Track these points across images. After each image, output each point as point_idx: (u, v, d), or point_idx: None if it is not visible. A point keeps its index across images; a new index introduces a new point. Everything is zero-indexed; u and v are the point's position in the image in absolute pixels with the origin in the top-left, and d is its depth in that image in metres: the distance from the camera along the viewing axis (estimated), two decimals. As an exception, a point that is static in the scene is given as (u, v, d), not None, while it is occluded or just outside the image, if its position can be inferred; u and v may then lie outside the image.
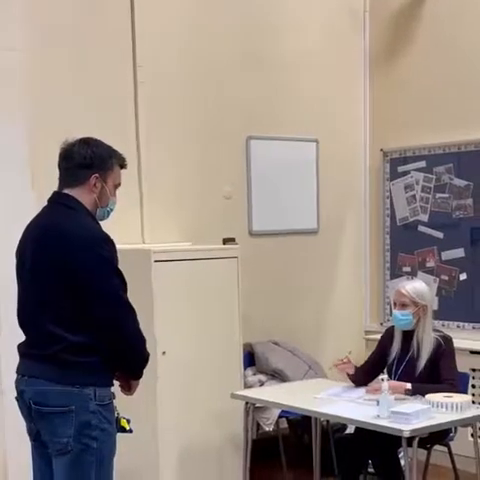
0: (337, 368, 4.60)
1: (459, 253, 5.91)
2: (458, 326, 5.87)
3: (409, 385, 4.31)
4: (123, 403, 3.29)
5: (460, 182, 5.88)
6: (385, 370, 4.59)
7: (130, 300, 3.13)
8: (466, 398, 4.22)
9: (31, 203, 4.02)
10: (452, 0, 5.90)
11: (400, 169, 6.28)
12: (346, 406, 4.29)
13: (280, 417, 5.37)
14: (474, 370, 5.55)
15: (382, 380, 4.07)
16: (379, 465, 4.59)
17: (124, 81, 5.19)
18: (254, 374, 5.59)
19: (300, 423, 5.59)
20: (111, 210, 3.29)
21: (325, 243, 6.31)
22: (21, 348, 3.21)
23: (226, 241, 5.56)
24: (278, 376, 5.53)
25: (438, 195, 6.02)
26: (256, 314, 5.69)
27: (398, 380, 4.44)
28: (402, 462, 4.35)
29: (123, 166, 3.29)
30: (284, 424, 5.72)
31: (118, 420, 3.21)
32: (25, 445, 3.29)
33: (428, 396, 4.16)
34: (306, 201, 6.21)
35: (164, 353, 4.64)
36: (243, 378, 5.25)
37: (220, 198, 5.69)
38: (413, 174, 6.19)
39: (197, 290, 4.87)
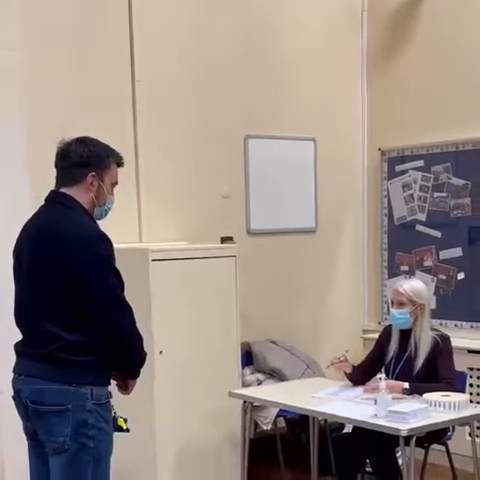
0: (334, 366, 4.60)
1: (457, 252, 5.90)
2: (456, 325, 5.87)
3: (407, 384, 4.31)
4: (120, 402, 3.29)
5: (458, 181, 5.87)
6: (383, 369, 4.59)
7: (127, 299, 3.13)
8: (464, 397, 4.22)
9: (29, 203, 3.99)
10: (450, -1, 5.91)
11: (398, 168, 6.28)
12: (344, 405, 4.29)
13: (278, 416, 5.37)
14: (472, 369, 5.55)
15: (380, 379, 4.06)
16: (377, 464, 4.58)
17: (123, 81, 5.18)
18: (252, 373, 5.59)
19: (298, 422, 5.58)
20: (109, 209, 3.28)
21: (323, 242, 6.31)
22: (18, 347, 3.21)
23: (224, 240, 5.54)
24: (276, 375, 5.53)
25: (436, 194, 6.02)
26: (254, 313, 5.69)
27: (396, 379, 4.43)
28: (400, 461, 4.36)
29: (120, 164, 3.29)
30: (282, 423, 5.72)
31: (115, 419, 3.21)
32: (22, 444, 3.28)
33: (426, 395, 4.16)
34: (304, 200, 6.21)
35: (161, 352, 4.64)
36: (241, 377, 5.24)
37: (218, 197, 5.68)
38: (411, 173, 6.18)
39: (195, 289, 4.87)
